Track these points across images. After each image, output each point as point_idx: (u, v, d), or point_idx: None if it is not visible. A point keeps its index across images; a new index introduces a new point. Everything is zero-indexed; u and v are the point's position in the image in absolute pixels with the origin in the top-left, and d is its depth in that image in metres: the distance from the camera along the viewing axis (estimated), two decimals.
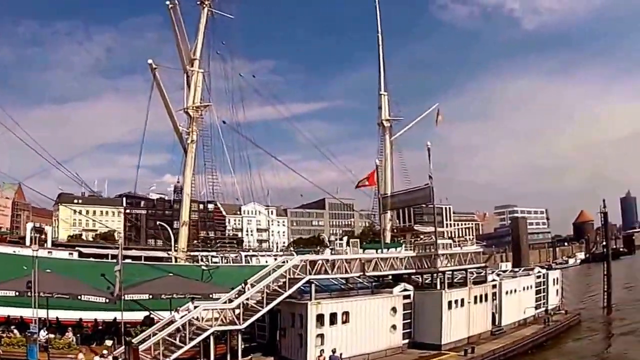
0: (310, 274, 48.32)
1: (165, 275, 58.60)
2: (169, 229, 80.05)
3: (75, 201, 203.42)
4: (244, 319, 44.68)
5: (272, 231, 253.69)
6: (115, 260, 53.88)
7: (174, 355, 41.02)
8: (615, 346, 62.55)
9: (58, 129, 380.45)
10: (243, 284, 49.35)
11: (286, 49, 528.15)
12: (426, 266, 57.80)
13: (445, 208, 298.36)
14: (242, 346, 45.45)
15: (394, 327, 52.45)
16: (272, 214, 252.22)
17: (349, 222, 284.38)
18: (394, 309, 52.76)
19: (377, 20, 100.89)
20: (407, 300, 54.61)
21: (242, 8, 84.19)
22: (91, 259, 65.09)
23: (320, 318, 46.65)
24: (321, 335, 46.52)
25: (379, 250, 63.58)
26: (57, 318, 51.75)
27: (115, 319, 51.14)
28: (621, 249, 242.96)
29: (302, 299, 48.32)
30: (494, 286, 63.82)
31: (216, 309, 45.58)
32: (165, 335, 42.54)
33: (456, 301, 55.46)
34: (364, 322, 49.69)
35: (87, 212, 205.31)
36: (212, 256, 75.27)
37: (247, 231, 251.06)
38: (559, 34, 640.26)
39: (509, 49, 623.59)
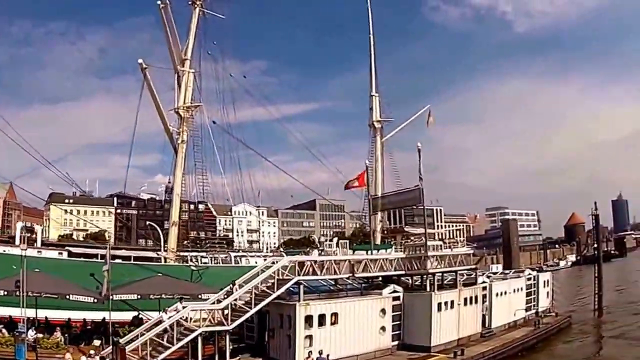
0: (299, 275, 48.16)
1: (154, 276, 58.48)
2: (158, 229, 79.95)
3: (66, 201, 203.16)
4: (232, 319, 44.57)
5: (263, 232, 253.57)
6: (104, 260, 53.66)
7: (162, 356, 40.85)
8: (606, 349, 62.63)
9: (50, 128, 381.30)
10: (231, 285, 49.26)
11: (278, 50, 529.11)
12: (416, 268, 57.70)
13: (436, 210, 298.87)
14: (231, 347, 45.28)
15: (383, 328, 52.35)
16: (262, 214, 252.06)
17: (340, 224, 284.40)
18: (383, 311, 52.69)
19: (369, 21, 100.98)
20: (397, 302, 54.53)
21: (234, 9, 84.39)
22: (80, 258, 64.87)
23: (308, 319, 46.50)
24: (310, 337, 46.36)
25: (369, 252, 63.44)
26: (46, 318, 51.55)
27: (104, 318, 50.94)
28: (612, 252, 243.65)
29: (290, 300, 48.16)
30: (484, 288, 63.71)
31: (204, 310, 45.43)
32: (153, 335, 42.36)
33: (446, 303, 55.42)
34: (352, 323, 49.56)
35: (78, 211, 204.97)
36: (202, 256, 75.28)
37: (237, 232, 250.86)
38: (551, 37, 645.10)
39: (501, 52, 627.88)
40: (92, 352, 43.28)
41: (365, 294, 55.02)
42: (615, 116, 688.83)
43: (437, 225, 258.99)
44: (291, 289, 48.42)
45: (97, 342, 50.08)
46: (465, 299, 58.33)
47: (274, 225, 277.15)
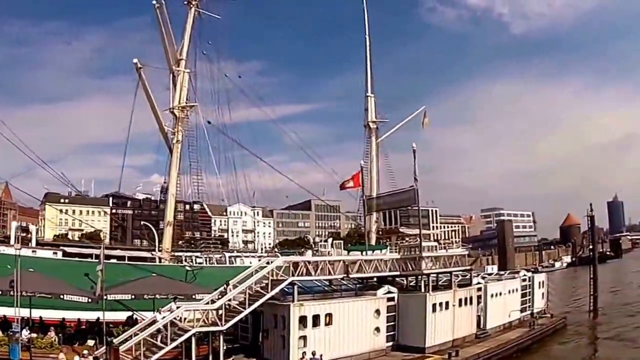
0: (293, 275, 48.15)
1: (148, 276, 58.38)
2: (153, 229, 79.76)
3: (62, 201, 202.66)
4: (226, 320, 44.56)
5: (258, 232, 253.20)
6: (98, 260, 53.55)
7: (156, 356, 40.83)
8: (601, 350, 62.86)
9: (47, 128, 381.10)
10: (225, 285, 49.13)
11: (275, 51, 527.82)
12: (411, 268, 57.67)
13: (431, 210, 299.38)
14: (224, 347, 45.26)
15: (377, 329, 52.37)
16: (258, 215, 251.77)
17: (335, 224, 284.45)
18: (377, 311, 52.70)
19: (365, 22, 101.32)
20: (391, 303, 54.53)
21: (230, 9, 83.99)
22: (75, 258, 64.77)
23: (303, 320, 46.50)
24: (304, 337, 46.39)
25: (364, 252, 63.41)
26: (40, 317, 51.26)
27: (98, 318, 50.71)
28: (608, 253, 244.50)
29: (284, 301, 48.20)
30: (479, 289, 63.81)
31: (198, 310, 45.41)
32: (147, 335, 42.32)
33: (441, 304, 55.34)
34: (347, 324, 49.58)
35: (74, 211, 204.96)
36: (196, 257, 75.18)
37: (232, 232, 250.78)
38: (548, 39, 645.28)
39: (497, 53, 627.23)
40: (85, 352, 43.11)
41: (359, 294, 55.11)
42: (611, 118, 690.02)
43: (433, 226, 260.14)
44: (285, 289, 48.50)
45: (91, 342, 49.90)
46: (460, 300, 58.28)
47: (269, 226, 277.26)
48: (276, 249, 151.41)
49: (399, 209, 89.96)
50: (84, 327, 53.91)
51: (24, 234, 66.00)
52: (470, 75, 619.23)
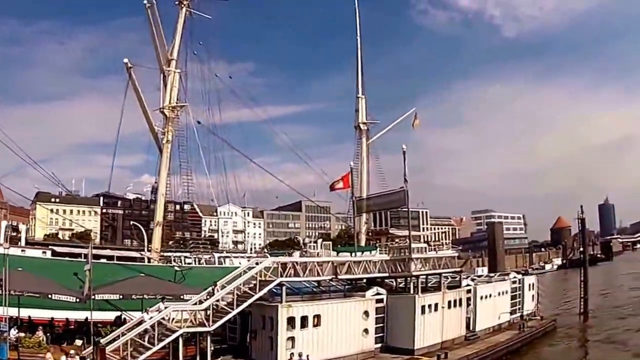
0: (281, 276, 48.06)
1: (136, 276, 58.26)
2: (142, 229, 79.64)
3: (53, 200, 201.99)
4: (213, 320, 44.50)
5: (248, 233, 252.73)
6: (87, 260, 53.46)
7: (143, 356, 40.78)
8: (591, 353, 63.18)
9: (40, 128, 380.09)
10: (213, 286, 49.01)
11: (266, 52, 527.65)
12: (400, 270, 57.55)
13: (422, 212, 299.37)
14: (212, 348, 45.16)
15: (366, 331, 52.29)
16: (248, 215, 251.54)
17: (326, 225, 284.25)
18: (366, 313, 52.63)
19: (356, 23, 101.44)
20: (380, 304, 54.55)
21: (222, 10, 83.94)
22: (64, 258, 64.55)
23: (291, 321, 46.42)
24: (292, 338, 46.28)
25: (353, 254, 63.34)
26: (29, 317, 51.31)
27: (86, 318, 50.60)
28: (599, 255, 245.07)
29: (273, 302, 48.05)
30: (469, 291, 63.89)
31: (186, 310, 45.27)
32: (134, 336, 42.20)
33: (430, 306, 55.39)
34: (335, 325, 49.51)
35: (64, 211, 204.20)
36: (186, 257, 74.99)
37: (222, 232, 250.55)
38: (540, 42, 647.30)
39: (489, 55, 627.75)
40: (72, 352, 43.16)
41: (348, 296, 54.99)
42: (604, 120, 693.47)
43: (423, 228, 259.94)
44: (274, 290, 48.37)
45: (79, 342, 49.85)
46: (450, 302, 58.31)
47: (260, 227, 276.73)
48: (266, 250, 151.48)
49: (389, 210, 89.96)
50: (72, 326, 53.90)
51: (14, 233, 65.65)
52: (463, 77, 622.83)
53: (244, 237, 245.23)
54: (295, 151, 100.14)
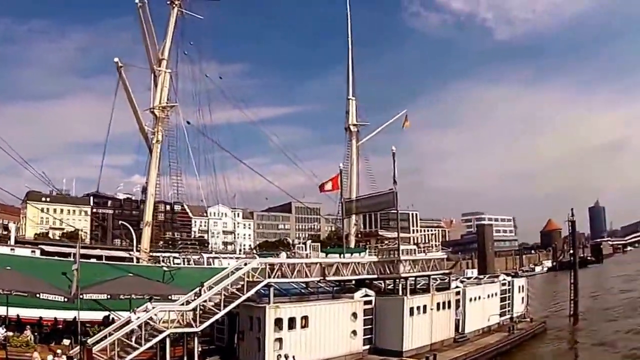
0: (269, 277, 48.06)
1: (125, 275, 58.12)
2: (131, 228, 79.51)
3: (43, 199, 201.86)
4: (200, 321, 44.43)
5: (238, 234, 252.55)
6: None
7: (130, 357, 40.67)
8: (581, 355, 63.51)
9: (33, 127, 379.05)
10: (200, 286, 48.94)
11: (258, 53, 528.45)
12: (389, 271, 57.63)
13: (411, 214, 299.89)
14: (200, 349, 45.13)
15: (354, 332, 52.31)
16: (238, 216, 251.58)
17: (315, 227, 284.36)
18: (354, 315, 52.66)
19: (348, 24, 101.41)
20: (369, 306, 54.54)
21: (213, 10, 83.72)
22: (53, 257, 64.42)
23: (278, 322, 46.37)
24: (279, 340, 46.24)
25: (342, 255, 63.31)
26: (17, 316, 51.38)
27: (74, 318, 50.49)
28: (589, 258, 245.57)
29: (260, 303, 48.00)
30: (458, 293, 63.94)
31: (173, 311, 45.22)
32: (121, 336, 42.10)
33: (418, 307, 55.41)
34: (323, 327, 49.51)
35: (55, 210, 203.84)
36: (174, 257, 74.83)
37: (212, 233, 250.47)
38: (534, 44, 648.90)
39: (482, 58, 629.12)
40: (59, 351, 43.08)
41: (336, 297, 55.15)
42: (596, 123, 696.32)
43: (412, 230, 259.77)
44: (262, 291, 48.35)
45: (66, 342, 49.76)
46: (438, 304, 58.44)
47: (249, 228, 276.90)
48: (255, 251, 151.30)
49: (379, 212, 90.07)
50: (60, 326, 53.82)
51: (4, 232, 65.68)
52: (454, 79, 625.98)
53: (234, 238, 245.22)
54: (285, 152, 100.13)
